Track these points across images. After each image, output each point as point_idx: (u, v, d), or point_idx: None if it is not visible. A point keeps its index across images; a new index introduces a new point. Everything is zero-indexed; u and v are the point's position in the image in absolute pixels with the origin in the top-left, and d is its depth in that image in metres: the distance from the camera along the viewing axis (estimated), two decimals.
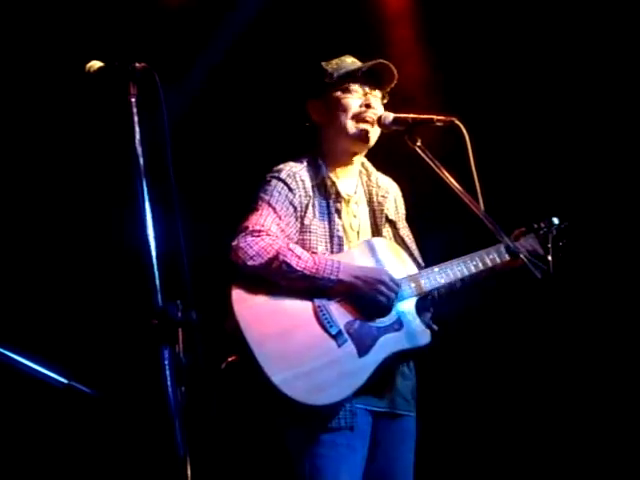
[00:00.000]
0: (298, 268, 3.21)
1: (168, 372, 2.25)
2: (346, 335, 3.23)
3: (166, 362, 2.26)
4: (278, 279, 3.22)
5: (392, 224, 3.54)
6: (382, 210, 3.51)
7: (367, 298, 3.28)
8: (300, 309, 3.23)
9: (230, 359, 3.19)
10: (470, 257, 3.48)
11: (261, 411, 3.25)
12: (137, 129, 2.39)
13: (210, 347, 2.44)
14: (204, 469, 2.40)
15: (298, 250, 3.26)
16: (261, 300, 3.22)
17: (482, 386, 4.94)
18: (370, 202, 3.52)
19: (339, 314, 3.26)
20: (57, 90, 4.60)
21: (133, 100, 2.42)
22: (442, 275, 3.41)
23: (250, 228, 3.26)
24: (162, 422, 2.25)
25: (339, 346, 3.21)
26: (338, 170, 3.49)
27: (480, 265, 3.46)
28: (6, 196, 4.62)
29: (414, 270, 3.43)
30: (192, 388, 2.29)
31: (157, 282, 2.31)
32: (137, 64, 2.45)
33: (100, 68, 2.50)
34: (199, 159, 4.81)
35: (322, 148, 3.49)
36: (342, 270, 3.25)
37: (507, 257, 3.38)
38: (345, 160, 3.50)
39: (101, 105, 4.19)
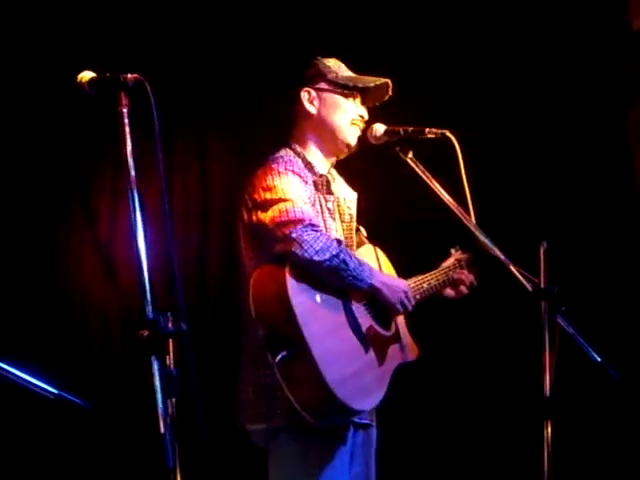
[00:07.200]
0: (351, 267, 3.14)
1: (158, 383, 2.25)
2: (368, 341, 3.21)
3: (156, 373, 2.25)
4: (328, 276, 3.12)
5: (357, 230, 3.52)
6: (351, 215, 3.47)
7: (388, 305, 3.27)
8: (336, 309, 3.17)
9: (283, 353, 3.01)
10: (433, 275, 3.53)
11: (256, 422, 3.21)
12: (129, 140, 2.39)
13: (200, 358, 2.43)
14: None
15: (348, 249, 3.21)
16: (311, 295, 3.10)
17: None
18: (338, 205, 3.44)
19: (361, 318, 3.23)
20: (49, 101, 4.60)
21: (125, 111, 2.41)
22: (418, 291, 3.44)
23: (307, 221, 3.09)
24: (152, 433, 2.25)
25: (366, 352, 3.20)
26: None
27: (439, 284, 3.54)
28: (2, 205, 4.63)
29: None
30: (182, 399, 2.29)
31: (148, 293, 2.30)
32: (129, 75, 2.45)
33: (92, 79, 2.50)
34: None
35: (304, 142, 3.40)
36: (374, 275, 3.23)
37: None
38: (328, 160, 3.44)
39: (93, 116, 4.22)
